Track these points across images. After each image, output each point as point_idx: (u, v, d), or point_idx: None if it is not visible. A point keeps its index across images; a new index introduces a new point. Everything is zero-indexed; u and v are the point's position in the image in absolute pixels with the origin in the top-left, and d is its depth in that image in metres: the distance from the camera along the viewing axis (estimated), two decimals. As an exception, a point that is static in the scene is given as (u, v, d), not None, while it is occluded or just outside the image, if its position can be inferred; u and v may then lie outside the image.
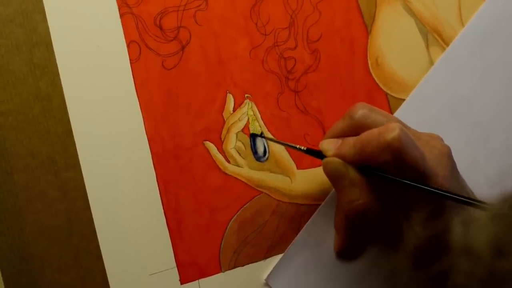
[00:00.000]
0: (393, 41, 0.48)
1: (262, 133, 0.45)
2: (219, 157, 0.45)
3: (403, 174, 0.36)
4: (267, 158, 0.45)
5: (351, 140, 0.39)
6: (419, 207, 0.36)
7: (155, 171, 0.44)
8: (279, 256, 0.45)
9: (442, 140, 0.41)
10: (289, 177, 0.45)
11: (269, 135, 0.45)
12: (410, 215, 0.36)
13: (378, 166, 0.37)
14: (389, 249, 0.39)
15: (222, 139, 0.45)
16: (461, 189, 0.39)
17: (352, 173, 0.38)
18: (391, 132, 0.35)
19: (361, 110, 0.39)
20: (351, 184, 0.38)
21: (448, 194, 0.35)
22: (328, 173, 0.39)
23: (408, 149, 0.35)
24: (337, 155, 0.39)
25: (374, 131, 0.37)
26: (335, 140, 0.40)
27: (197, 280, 0.44)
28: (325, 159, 0.39)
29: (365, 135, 0.37)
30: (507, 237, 0.24)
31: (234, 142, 0.45)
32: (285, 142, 0.45)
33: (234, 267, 0.44)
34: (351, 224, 0.43)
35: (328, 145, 0.40)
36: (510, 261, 0.24)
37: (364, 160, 0.37)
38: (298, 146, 0.42)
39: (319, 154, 0.40)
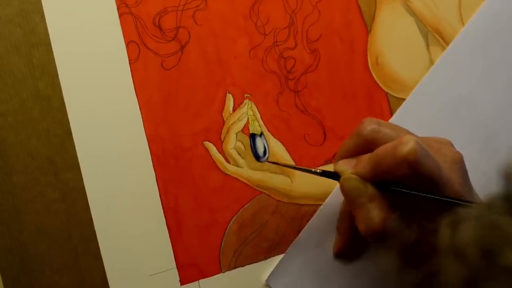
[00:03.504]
0: (393, 41, 0.48)
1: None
2: (218, 157, 0.45)
3: (420, 186, 0.36)
4: (267, 158, 0.45)
5: (365, 157, 0.38)
6: (438, 218, 0.36)
7: (155, 171, 0.44)
8: (280, 257, 0.45)
9: (452, 145, 0.41)
10: (289, 177, 0.45)
11: (269, 135, 0.45)
12: (428, 227, 0.36)
13: (395, 180, 0.37)
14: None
15: (222, 139, 0.45)
16: (473, 195, 0.39)
17: (371, 189, 0.37)
18: (406, 145, 0.35)
19: (370, 126, 0.39)
20: (370, 200, 0.37)
21: (469, 204, 0.35)
22: (347, 190, 0.39)
23: (424, 160, 0.35)
24: (353, 174, 0.38)
25: (389, 145, 0.36)
26: (349, 159, 0.40)
27: (197, 281, 0.44)
28: (343, 177, 0.39)
29: (380, 150, 0.37)
30: (492, 237, 0.24)
31: (233, 142, 0.45)
32: (299, 167, 0.44)
33: (235, 267, 0.44)
34: (354, 226, 0.43)
35: (343, 165, 0.39)
36: (495, 261, 0.24)
37: (380, 176, 0.37)
38: (313, 170, 0.41)
39: (334, 176, 0.40)
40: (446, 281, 0.26)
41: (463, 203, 0.35)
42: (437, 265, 0.26)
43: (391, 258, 0.36)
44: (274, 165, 0.45)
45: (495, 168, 0.27)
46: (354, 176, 0.38)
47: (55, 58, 0.43)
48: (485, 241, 0.25)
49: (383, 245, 0.37)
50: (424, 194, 0.36)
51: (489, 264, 0.24)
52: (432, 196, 0.36)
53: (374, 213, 0.37)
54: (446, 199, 0.35)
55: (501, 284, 0.24)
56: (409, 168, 0.35)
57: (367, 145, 0.39)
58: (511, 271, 0.24)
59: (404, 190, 0.37)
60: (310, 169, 0.41)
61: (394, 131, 0.39)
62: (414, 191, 0.36)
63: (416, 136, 0.40)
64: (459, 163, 0.39)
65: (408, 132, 0.40)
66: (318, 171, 0.41)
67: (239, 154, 0.45)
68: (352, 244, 0.43)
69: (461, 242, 0.25)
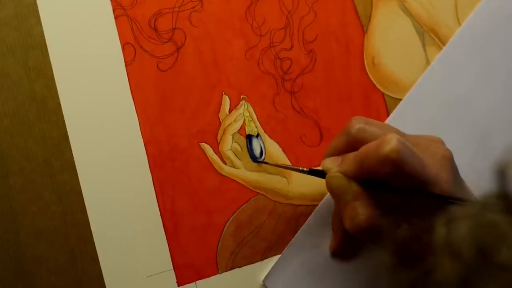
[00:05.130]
0: (389, 41, 0.48)
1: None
2: (215, 158, 0.45)
3: (405, 183, 0.36)
4: (263, 159, 0.45)
5: (351, 155, 0.39)
6: (424, 215, 0.36)
7: (151, 173, 0.44)
8: (276, 258, 0.45)
9: (443, 143, 0.41)
10: (286, 178, 0.45)
11: (265, 136, 0.45)
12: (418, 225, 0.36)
13: (379, 179, 0.37)
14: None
15: (218, 141, 0.45)
16: (464, 192, 0.39)
17: (355, 187, 0.38)
18: (388, 144, 0.35)
19: (357, 125, 0.39)
20: (354, 198, 0.38)
21: (452, 200, 0.35)
22: (332, 188, 0.39)
23: (407, 158, 0.35)
24: (339, 172, 0.39)
25: (372, 144, 0.36)
26: (336, 158, 0.40)
27: (194, 282, 0.44)
28: (328, 175, 0.39)
29: (363, 150, 0.37)
30: (487, 235, 0.25)
31: (230, 143, 0.45)
32: (287, 166, 0.45)
33: (231, 268, 0.44)
34: None
35: (330, 164, 0.40)
36: (491, 258, 0.24)
37: (365, 174, 0.37)
38: (300, 168, 0.42)
39: (321, 174, 0.40)
40: (441, 279, 0.26)
41: (450, 200, 0.35)
42: (432, 263, 0.26)
43: (386, 258, 0.36)
44: (271, 166, 0.45)
45: (490, 167, 0.27)
46: (339, 174, 0.39)
47: (51, 61, 0.43)
48: (480, 239, 0.25)
49: (375, 243, 0.38)
50: (407, 191, 0.36)
51: (484, 262, 0.24)
52: (415, 194, 0.36)
53: (359, 211, 0.37)
54: (431, 197, 0.35)
55: (496, 281, 0.24)
56: (392, 166, 0.35)
57: (354, 144, 0.39)
58: (506, 268, 0.24)
59: (387, 187, 0.37)
60: (297, 168, 0.42)
61: (381, 130, 0.39)
62: (400, 189, 0.36)
63: (404, 135, 0.40)
64: (449, 160, 0.39)
65: (395, 131, 0.40)
66: (306, 169, 0.41)
67: (236, 155, 0.45)
68: (347, 242, 0.43)
69: (456, 240, 0.25)
